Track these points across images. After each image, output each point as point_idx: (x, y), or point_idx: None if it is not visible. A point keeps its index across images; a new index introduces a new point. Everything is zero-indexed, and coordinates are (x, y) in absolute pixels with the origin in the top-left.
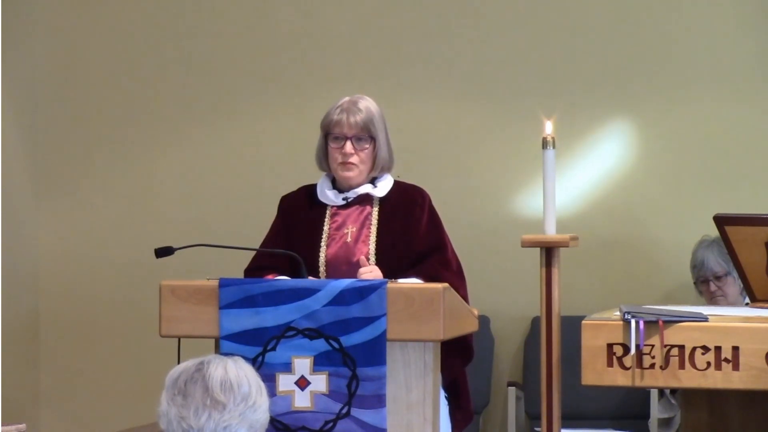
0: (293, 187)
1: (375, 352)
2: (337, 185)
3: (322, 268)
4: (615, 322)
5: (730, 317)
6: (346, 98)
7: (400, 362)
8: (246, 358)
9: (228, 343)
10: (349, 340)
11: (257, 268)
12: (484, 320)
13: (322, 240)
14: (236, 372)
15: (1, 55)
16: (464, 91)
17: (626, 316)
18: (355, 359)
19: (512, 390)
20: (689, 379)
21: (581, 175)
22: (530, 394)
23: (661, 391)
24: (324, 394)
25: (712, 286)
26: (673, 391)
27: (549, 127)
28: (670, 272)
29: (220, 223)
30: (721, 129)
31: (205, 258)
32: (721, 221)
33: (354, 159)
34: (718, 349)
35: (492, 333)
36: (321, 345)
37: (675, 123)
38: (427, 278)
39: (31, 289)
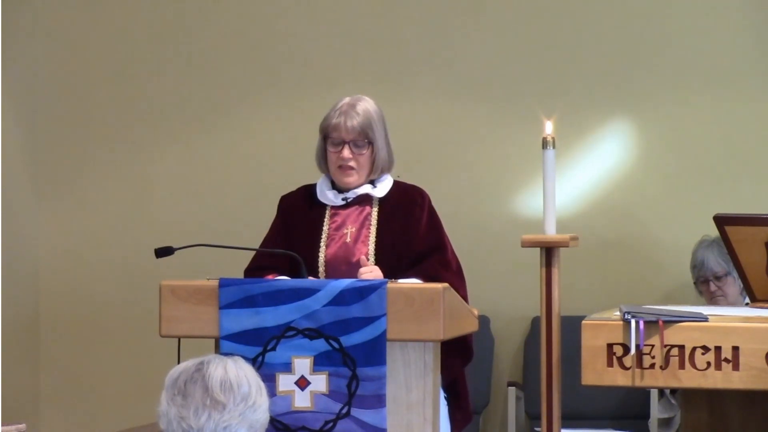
0: (293, 187)
1: (375, 352)
2: (336, 185)
3: (321, 269)
4: (615, 322)
5: (730, 317)
6: (345, 100)
7: (400, 362)
8: (246, 358)
9: (228, 343)
10: (349, 340)
11: (257, 268)
12: (484, 320)
13: (322, 240)
14: (236, 372)
15: (1, 55)
16: (464, 91)
17: (626, 316)
18: (355, 359)
19: (512, 390)
20: (689, 379)
21: (581, 175)
22: (530, 394)
23: (661, 391)
24: (324, 394)
25: (712, 286)
26: (673, 391)
27: (549, 127)
28: (670, 272)
29: (220, 223)
30: (721, 129)
31: (205, 258)
32: (721, 221)
33: (352, 163)
34: (718, 349)
35: (492, 333)
36: (321, 345)
37: (675, 123)
38: (427, 279)
39: (31, 289)
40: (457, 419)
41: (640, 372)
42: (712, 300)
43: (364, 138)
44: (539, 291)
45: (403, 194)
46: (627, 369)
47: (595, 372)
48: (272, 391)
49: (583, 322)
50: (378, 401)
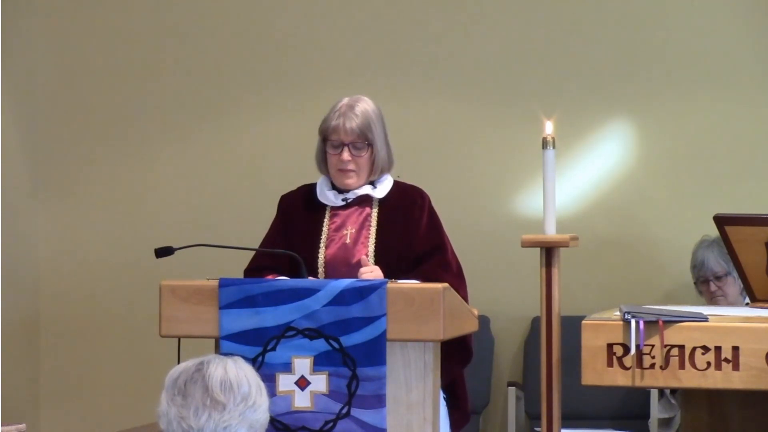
0: (293, 187)
1: (375, 352)
2: (336, 186)
3: (320, 269)
4: (615, 322)
5: (730, 317)
6: (344, 101)
7: (400, 362)
8: (246, 358)
9: (228, 343)
10: (349, 340)
11: (257, 268)
12: (484, 320)
13: (321, 241)
14: (236, 372)
15: (1, 55)
16: (464, 91)
17: (626, 316)
18: (355, 359)
19: (512, 390)
20: (689, 379)
21: (581, 175)
22: (530, 394)
23: (661, 391)
24: (324, 394)
25: (712, 286)
26: (673, 391)
27: (549, 127)
28: (670, 272)
29: (220, 223)
30: (721, 129)
31: (205, 258)
32: (721, 221)
33: (352, 166)
34: (718, 349)
35: (492, 333)
36: (321, 345)
37: (675, 123)
38: (428, 281)
39: (31, 290)
40: (456, 419)
41: (640, 372)
42: (712, 300)
43: (363, 140)
44: (539, 291)
45: (403, 195)
46: (627, 369)
47: (595, 372)
48: (272, 391)
49: (583, 322)
50: (378, 401)
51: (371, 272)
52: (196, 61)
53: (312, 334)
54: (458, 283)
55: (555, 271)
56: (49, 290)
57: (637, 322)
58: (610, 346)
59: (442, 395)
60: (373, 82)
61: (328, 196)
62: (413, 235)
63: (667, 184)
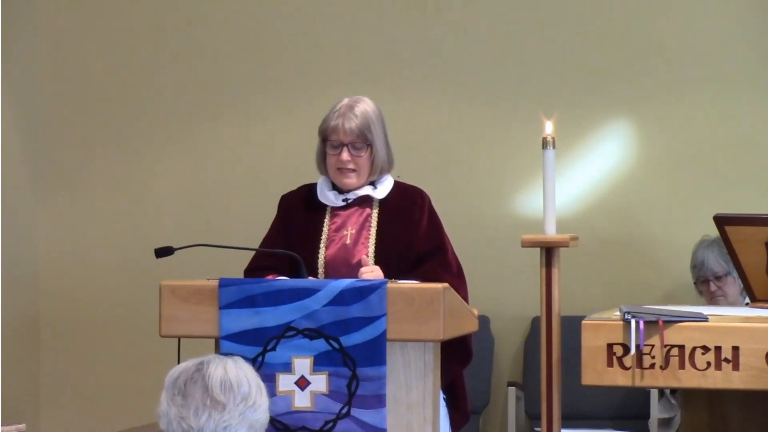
0: (293, 187)
1: (375, 352)
2: (336, 186)
3: (320, 270)
4: (615, 322)
5: (730, 317)
6: (344, 101)
7: (400, 362)
8: (246, 358)
9: (228, 343)
10: (349, 340)
11: (257, 268)
12: (484, 320)
13: (321, 241)
14: (236, 372)
15: (1, 55)
16: (464, 91)
17: (626, 316)
18: (355, 359)
19: (512, 390)
20: (689, 379)
21: (581, 175)
22: (530, 394)
23: (661, 391)
24: (324, 394)
25: (712, 286)
26: (673, 391)
27: (549, 127)
28: (670, 272)
29: (220, 223)
30: (721, 129)
31: (205, 258)
32: (721, 221)
33: (351, 166)
34: (718, 349)
35: (492, 333)
36: (321, 345)
37: (675, 123)
38: (428, 281)
39: (31, 290)
40: (455, 419)
41: (640, 372)
42: (712, 300)
43: (362, 140)
44: (539, 291)
45: (403, 195)
46: (627, 369)
47: (595, 372)
48: (272, 391)
49: (583, 322)
50: (378, 401)
51: (371, 272)
52: (197, 61)
53: (312, 334)
54: (458, 283)
55: (555, 271)
56: (49, 290)
57: (637, 322)
58: (610, 346)
59: (442, 395)
60: (373, 83)
61: (328, 197)
62: (413, 236)
63: (667, 184)
